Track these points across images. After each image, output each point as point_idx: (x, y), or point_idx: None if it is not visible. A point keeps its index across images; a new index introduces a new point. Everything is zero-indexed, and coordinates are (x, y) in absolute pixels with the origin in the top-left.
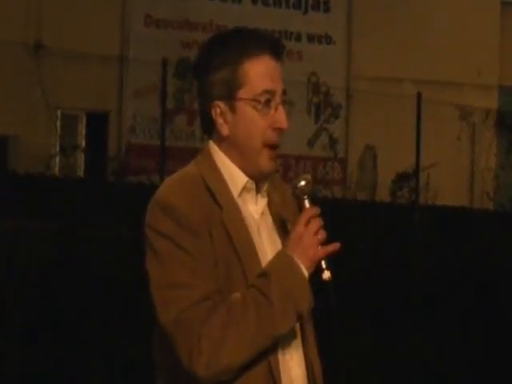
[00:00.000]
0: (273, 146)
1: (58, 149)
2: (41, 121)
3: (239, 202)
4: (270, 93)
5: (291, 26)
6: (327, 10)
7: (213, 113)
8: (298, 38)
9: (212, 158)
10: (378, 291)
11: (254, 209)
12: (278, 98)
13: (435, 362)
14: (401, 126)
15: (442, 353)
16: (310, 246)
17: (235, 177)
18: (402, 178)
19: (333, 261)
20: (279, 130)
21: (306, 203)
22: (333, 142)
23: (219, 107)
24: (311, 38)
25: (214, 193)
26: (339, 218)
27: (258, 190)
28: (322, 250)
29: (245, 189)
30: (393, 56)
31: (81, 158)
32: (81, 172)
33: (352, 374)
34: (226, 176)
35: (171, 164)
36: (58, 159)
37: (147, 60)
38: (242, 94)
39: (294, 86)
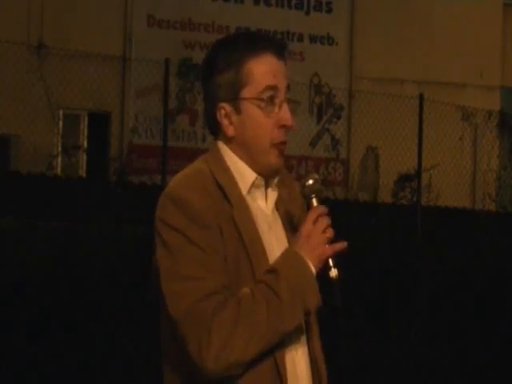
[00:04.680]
0: (280, 143)
1: (59, 149)
2: (43, 121)
3: (249, 198)
4: (273, 89)
5: (293, 27)
6: (329, 10)
7: (218, 115)
8: (300, 39)
9: (221, 156)
10: (379, 292)
11: (265, 205)
12: (281, 95)
13: (435, 362)
14: (403, 127)
15: (443, 353)
16: (318, 244)
17: (244, 174)
18: (404, 179)
19: (337, 260)
20: (285, 128)
21: (314, 202)
22: (335, 142)
23: (224, 109)
24: (313, 39)
25: (224, 189)
26: (341, 218)
27: (267, 186)
28: (330, 248)
29: (254, 185)
30: (395, 57)
31: (83, 158)
32: (83, 172)
33: (351, 374)
34: (235, 173)
35: (173, 164)
36: (59, 159)
37: (149, 60)
38: (245, 93)
39: (296, 87)
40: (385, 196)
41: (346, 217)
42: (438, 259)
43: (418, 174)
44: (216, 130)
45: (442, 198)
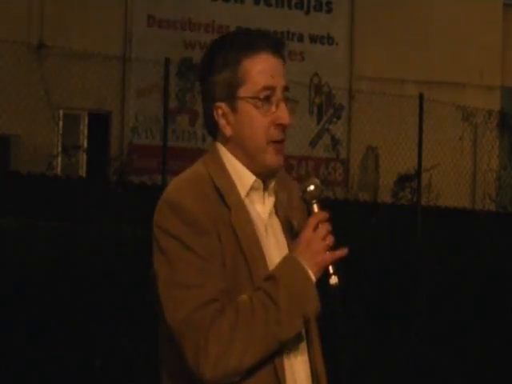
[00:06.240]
0: (278, 142)
1: (59, 149)
2: (43, 120)
3: (247, 201)
4: (270, 89)
5: (293, 27)
6: (329, 10)
7: (215, 114)
8: (301, 39)
9: (220, 158)
10: (379, 292)
11: (262, 209)
12: (278, 94)
13: (435, 362)
14: (403, 127)
15: (443, 353)
16: (318, 252)
17: (242, 176)
18: (404, 179)
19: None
20: (282, 127)
21: (315, 208)
22: (335, 142)
23: (221, 108)
24: (313, 39)
25: (223, 193)
26: (341, 218)
27: (265, 189)
28: (330, 255)
29: (252, 188)
30: (395, 57)
31: (83, 158)
32: (83, 172)
33: (351, 374)
34: (234, 176)
35: (173, 164)
36: (59, 159)
37: (149, 60)
38: (242, 92)
39: (296, 87)
40: (385, 196)
41: (346, 217)
42: (438, 259)
43: (418, 174)
44: (214, 130)
45: (442, 198)
